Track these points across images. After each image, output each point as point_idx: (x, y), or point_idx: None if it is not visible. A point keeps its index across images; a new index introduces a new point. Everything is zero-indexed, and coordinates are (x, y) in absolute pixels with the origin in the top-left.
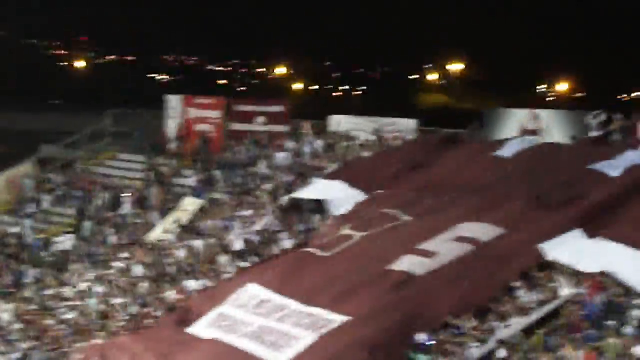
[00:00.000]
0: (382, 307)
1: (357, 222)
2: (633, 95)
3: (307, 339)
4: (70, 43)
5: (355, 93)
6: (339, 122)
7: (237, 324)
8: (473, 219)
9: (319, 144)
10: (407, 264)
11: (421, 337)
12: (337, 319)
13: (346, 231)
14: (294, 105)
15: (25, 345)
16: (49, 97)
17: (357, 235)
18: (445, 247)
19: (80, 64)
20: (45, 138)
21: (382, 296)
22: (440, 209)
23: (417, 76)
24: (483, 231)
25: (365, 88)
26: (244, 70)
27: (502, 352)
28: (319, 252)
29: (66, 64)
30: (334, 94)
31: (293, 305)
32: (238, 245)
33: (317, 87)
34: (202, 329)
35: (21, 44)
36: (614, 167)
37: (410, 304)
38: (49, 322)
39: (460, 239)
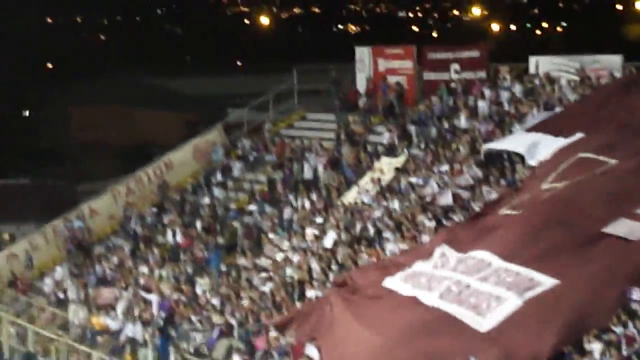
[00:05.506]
0: (595, 270)
1: (558, 173)
2: None
3: (511, 302)
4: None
5: (557, 29)
6: (539, 64)
7: (432, 282)
8: None
9: (519, 88)
10: (625, 229)
11: (634, 294)
12: (544, 280)
13: (547, 185)
14: (491, 49)
15: (222, 320)
16: (233, 58)
17: (559, 187)
18: None
19: (263, 20)
20: (231, 102)
21: (594, 258)
22: None
23: (623, 6)
24: None
25: (566, 24)
26: (436, 15)
27: None
28: (517, 210)
29: (249, 22)
30: (534, 33)
31: (494, 262)
32: (439, 202)
33: (514, 26)
34: (397, 287)
35: (203, 4)
36: None
37: (626, 266)
38: (246, 294)
39: None
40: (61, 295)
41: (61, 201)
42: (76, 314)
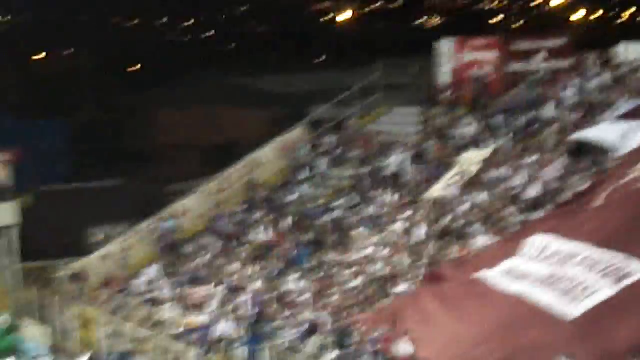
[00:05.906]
0: None
1: None
2: None
3: (606, 289)
4: None
5: None
6: (626, 51)
7: (524, 273)
8: None
9: (606, 76)
10: None
11: None
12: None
13: (638, 173)
14: (577, 37)
15: (313, 316)
16: (316, 54)
17: None
18: None
19: (344, 16)
20: (315, 98)
21: None
22: None
23: None
24: None
25: None
26: (519, 4)
27: None
28: (608, 199)
29: (331, 17)
30: (620, 20)
31: (588, 250)
32: (528, 194)
33: (600, 13)
34: (489, 281)
35: (283, 3)
36: None
37: None
38: (334, 290)
39: None
40: (155, 294)
41: (152, 202)
42: (170, 312)
